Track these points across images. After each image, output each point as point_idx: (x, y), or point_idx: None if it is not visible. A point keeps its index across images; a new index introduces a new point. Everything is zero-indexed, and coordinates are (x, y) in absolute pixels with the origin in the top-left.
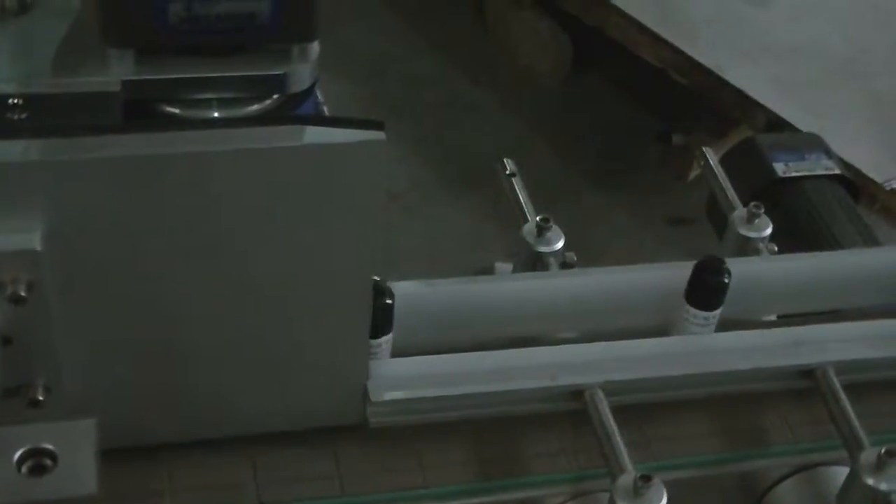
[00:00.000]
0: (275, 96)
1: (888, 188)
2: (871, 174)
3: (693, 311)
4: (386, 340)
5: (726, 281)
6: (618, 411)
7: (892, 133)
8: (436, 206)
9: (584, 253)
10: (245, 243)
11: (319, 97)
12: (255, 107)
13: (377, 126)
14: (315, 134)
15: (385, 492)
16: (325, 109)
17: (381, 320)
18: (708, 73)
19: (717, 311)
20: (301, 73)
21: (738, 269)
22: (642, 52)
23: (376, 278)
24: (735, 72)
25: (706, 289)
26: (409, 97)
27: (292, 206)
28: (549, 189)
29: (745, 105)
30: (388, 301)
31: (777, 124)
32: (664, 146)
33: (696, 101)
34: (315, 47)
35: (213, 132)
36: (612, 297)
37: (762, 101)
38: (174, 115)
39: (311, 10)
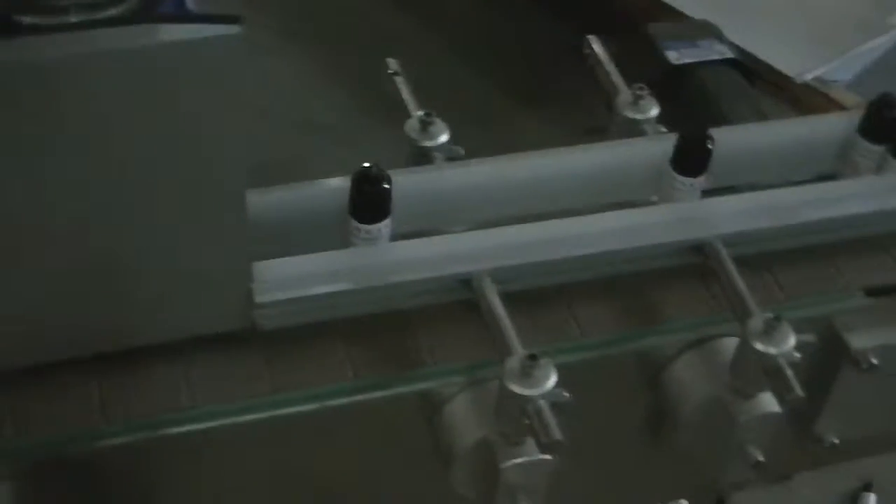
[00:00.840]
0: None
1: (799, 81)
2: (783, 68)
3: (679, 177)
4: (385, 225)
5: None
6: (509, 299)
7: (800, 28)
8: (359, 134)
9: None
10: (108, 150)
11: (189, 2)
12: (114, 10)
13: (233, 20)
14: (169, 31)
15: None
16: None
17: (378, 206)
18: None
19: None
20: None
21: (616, 151)
22: None
23: (367, 165)
24: None
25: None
26: (329, 27)
27: (152, 108)
28: (475, 110)
29: (655, 10)
30: (386, 186)
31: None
32: (579, 56)
33: (610, 9)
34: None
35: (61, 36)
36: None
37: (674, 4)
38: (31, 24)
39: None
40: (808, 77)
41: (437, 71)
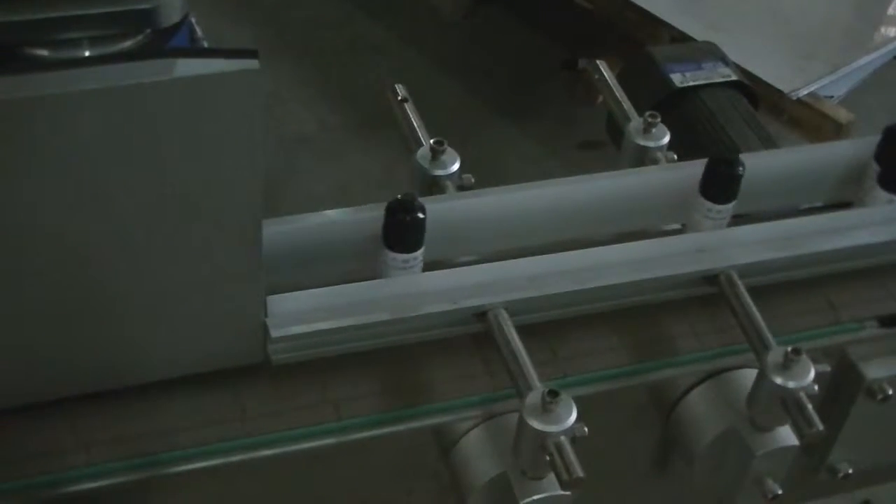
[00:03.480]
0: (146, 31)
1: (794, 97)
2: (777, 84)
3: (708, 204)
4: (419, 254)
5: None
6: (525, 331)
7: (794, 45)
8: (345, 149)
9: (497, 183)
10: (125, 184)
11: (198, 32)
12: (127, 44)
13: (251, 55)
14: (186, 66)
15: (294, 428)
16: (205, 45)
17: (414, 234)
18: None
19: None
20: (170, 6)
21: (637, 179)
22: None
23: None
24: None
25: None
26: (312, 41)
27: (172, 142)
28: (460, 123)
29: (648, 25)
30: (420, 215)
31: (682, 42)
32: (571, 73)
33: (601, 25)
34: None
35: (78, 71)
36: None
37: (665, 18)
38: (40, 57)
39: None
40: (802, 93)
41: (422, 86)
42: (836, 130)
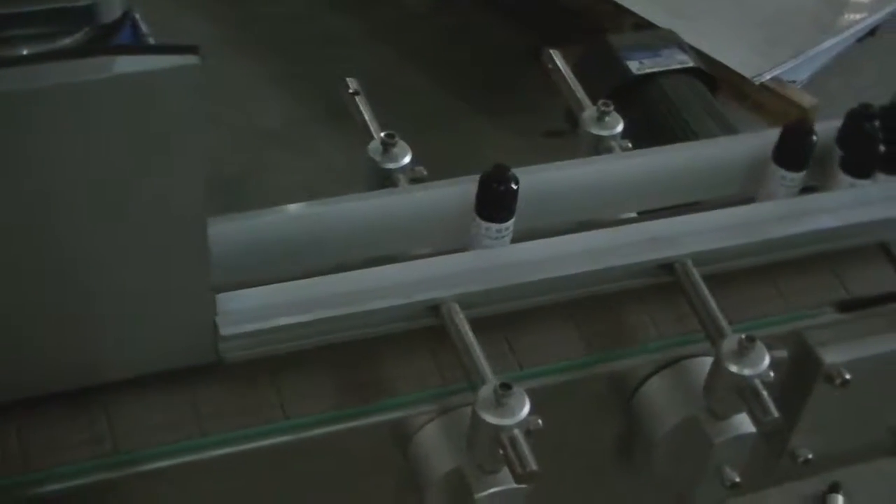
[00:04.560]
0: (85, 29)
1: (757, 83)
2: (740, 69)
3: (782, 171)
4: (510, 225)
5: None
6: (481, 324)
7: (757, 30)
8: (312, 142)
9: (472, 170)
10: (66, 183)
11: (143, 28)
12: (67, 41)
13: (191, 51)
14: (125, 63)
15: (246, 427)
16: (152, 41)
17: (508, 204)
18: None
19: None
20: (109, 3)
21: (592, 168)
22: None
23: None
24: None
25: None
26: (278, 35)
27: (113, 140)
28: (429, 115)
29: (613, 13)
30: (514, 186)
31: (646, 30)
32: (538, 63)
33: (568, 14)
34: None
35: (16, 70)
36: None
37: (629, 6)
38: None
39: None
40: (766, 78)
41: (390, 77)
42: (800, 115)
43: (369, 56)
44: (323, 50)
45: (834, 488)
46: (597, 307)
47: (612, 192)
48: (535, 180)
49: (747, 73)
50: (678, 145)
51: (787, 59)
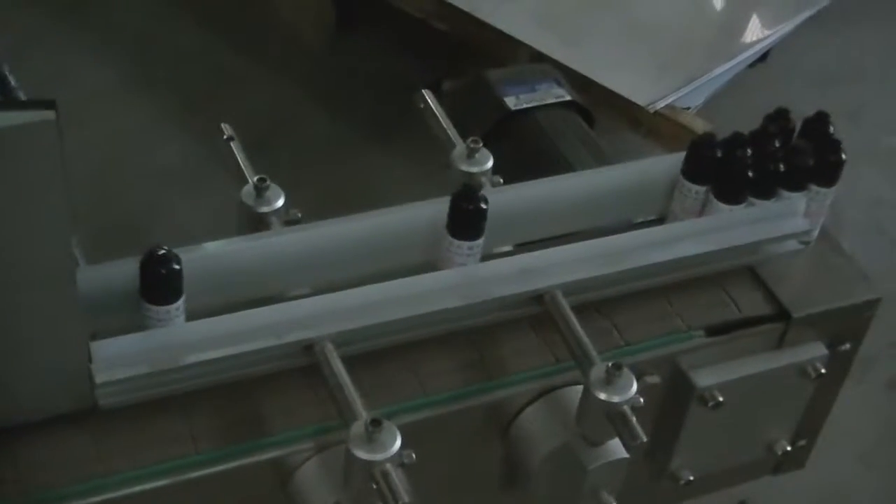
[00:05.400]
0: None
1: (651, 111)
2: (633, 97)
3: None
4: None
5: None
6: (356, 360)
7: (651, 57)
8: (210, 182)
9: (371, 207)
10: None
11: (12, 81)
12: None
13: (47, 106)
14: None
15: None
16: (21, 94)
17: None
18: (467, 17)
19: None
20: None
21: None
22: (402, 4)
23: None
24: (493, 13)
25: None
26: (176, 74)
27: None
28: (329, 151)
29: (507, 44)
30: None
31: (540, 59)
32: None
33: (462, 47)
34: None
35: None
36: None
37: (522, 38)
38: None
39: None
40: (660, 105)
41: (289, 116)
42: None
43: (268, 94)
44: (220, 88)
45: None
46: (467, 340)
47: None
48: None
49: (641, 101)
50: (550, 178)
51: (681, 85)
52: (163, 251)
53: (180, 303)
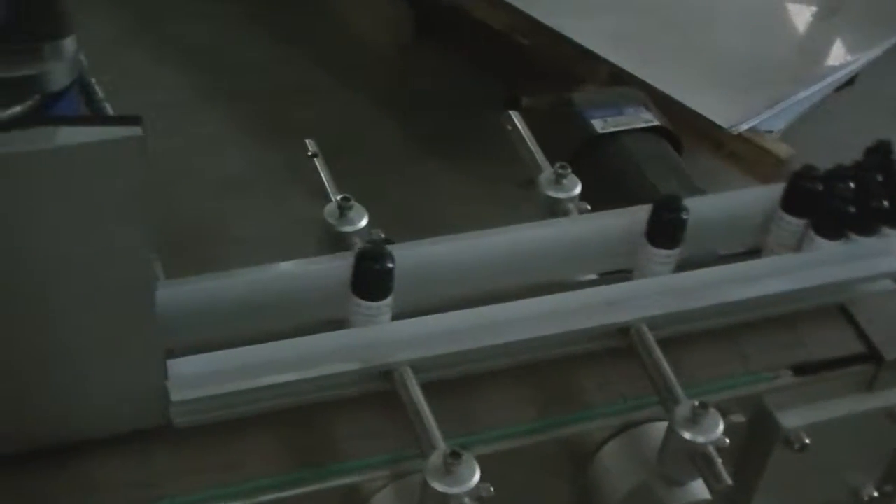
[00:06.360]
0: (35, 97)
1: (734, 132)
2: (715, 119)
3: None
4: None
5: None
6: (434, 388)
7: (732, 79)
8: (284, 193)
9: (439, 222)
10: (9, 253)
11: (99, 93)
12: (17, 109)
13: (134, 122)
14: (68, 134)
15: (198, 491)
16: (108, 107)
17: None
18: (549, 31)
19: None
20: (57, 72)
21: (552, 231)
22: (482, 15)
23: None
24: (577, 29)
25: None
26: (247, 85)
27: (56, 210)
28: (400, 163)
29: (587, 61)
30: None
31: (620, 78)
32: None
33: (541, 61)
34: (69, 44)
35: None
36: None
37: (600, 53)
38: None
39: (53, 7)
40: (743, 128)
41: (359, 126)
42: (777, 165)
43: (340, 104)
44: (291, 97)
45: None
46: (553, 371)
47: (567, 254)
48: (491, 243)
49: (723, 123)
50: (634, 208)
51: (763, 108)
52: (377, 248)
53: (389, 300)
